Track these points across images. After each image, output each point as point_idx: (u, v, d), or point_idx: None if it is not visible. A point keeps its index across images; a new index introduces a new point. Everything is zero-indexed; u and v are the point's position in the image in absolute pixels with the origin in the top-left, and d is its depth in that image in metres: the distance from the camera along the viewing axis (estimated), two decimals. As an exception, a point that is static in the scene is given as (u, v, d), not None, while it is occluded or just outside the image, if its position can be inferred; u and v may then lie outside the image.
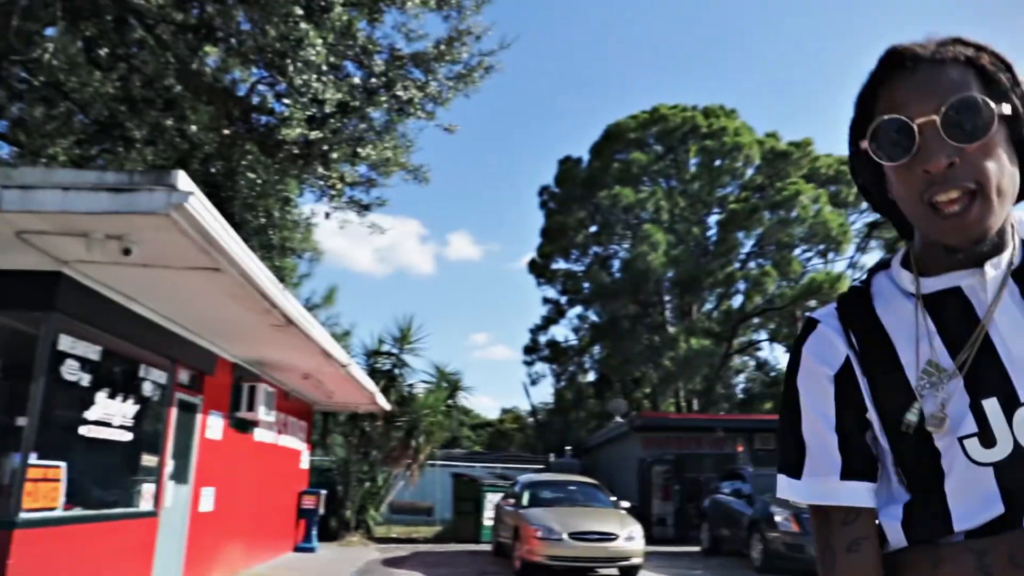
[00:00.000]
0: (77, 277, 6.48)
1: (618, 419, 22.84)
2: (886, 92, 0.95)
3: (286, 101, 8.16)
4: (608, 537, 11.16)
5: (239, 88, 10.15)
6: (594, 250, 34.53)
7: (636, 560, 11.24)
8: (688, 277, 28.98)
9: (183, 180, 5.36)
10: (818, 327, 1.06)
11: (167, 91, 9.63)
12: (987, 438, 0.92)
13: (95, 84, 9.63)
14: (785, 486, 1.06)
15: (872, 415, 1.00)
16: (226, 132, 9.25)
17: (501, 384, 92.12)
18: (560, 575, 11.18)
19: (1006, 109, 0.92)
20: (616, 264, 33.93)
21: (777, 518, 12.27)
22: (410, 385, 17.43)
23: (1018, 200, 0.99)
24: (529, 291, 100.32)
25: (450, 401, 17.75)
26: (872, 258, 33.03)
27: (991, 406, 0.92)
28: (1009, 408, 0.91)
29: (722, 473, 16.40)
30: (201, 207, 5.37)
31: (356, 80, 8.94)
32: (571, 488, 13.37)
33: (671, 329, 29.41)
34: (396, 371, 17.13)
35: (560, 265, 35.45)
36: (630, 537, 11.26)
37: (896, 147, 0.92)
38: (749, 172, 32.67)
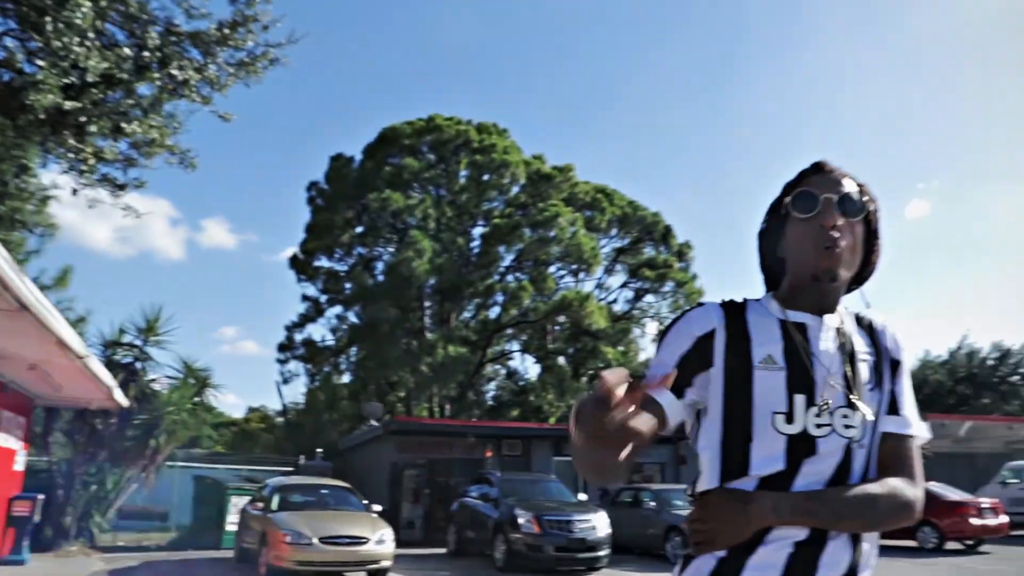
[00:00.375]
0: None
1: (373, 422, 22.82)
2: (807, 180, 1.50)
3: (40, 63, 7.32)
4: (358, 541, 11.18)
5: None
6: (359, 251, 34.24)
7: (386, 563, 11.37)
8: (450, 285, 29.73)
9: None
10: (704, 305, 1.52)
11: None
12: (789, 418, 1.38)
13: None
14: None
15: (718, 372, 1.43)
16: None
17: (249, 381, 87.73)
18: (307, 580, 10.99)
19: (871, 207, 1.50)
20: (380, 267, 33.95)
21: (520, 520, 13.03)
22: (152, 380, 16.19)
23: (851, 289, 1.54)
24: (285, 286, 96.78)
25: (197, 399, 16.72)
26: (618, 280, 36.20)
27: (799, 399, 1.39)
28: (808, 404, 1.39)
29: (471, 477, 17.07)
30: (-66, 174, 4.72)
31: (126, 51, 8.24)
32: (323, 492, 13.19)
33: (429, 335, 29.97)
34: (138, 365, 15.81)
35: (323, 263, 34.73)
36: (380, 540, 11.36)
37: (807, 207, 1.45)
38: (515, 190, 34.22)
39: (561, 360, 33.57)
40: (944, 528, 15.96)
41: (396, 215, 30.47)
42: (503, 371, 39.61)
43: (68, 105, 7.49)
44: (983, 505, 16.17)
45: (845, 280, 1.47)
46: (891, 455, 1.41)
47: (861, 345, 1.48)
